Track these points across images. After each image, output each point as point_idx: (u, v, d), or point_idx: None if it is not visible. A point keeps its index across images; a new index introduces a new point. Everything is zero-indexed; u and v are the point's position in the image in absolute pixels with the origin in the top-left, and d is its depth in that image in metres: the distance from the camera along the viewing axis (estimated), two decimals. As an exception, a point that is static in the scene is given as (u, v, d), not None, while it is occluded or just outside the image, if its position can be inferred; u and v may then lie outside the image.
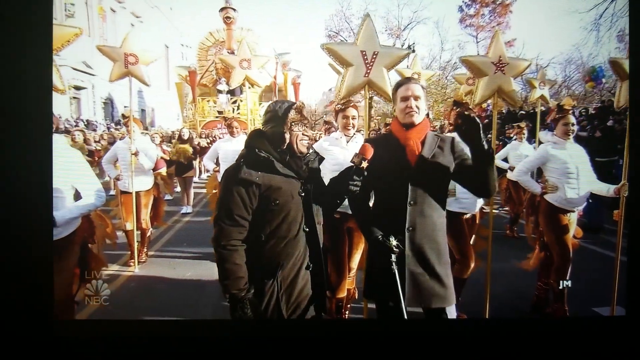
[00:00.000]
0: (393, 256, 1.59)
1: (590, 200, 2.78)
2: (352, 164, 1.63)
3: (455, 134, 1.68)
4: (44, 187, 1.91)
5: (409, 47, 14.11)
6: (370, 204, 1.80)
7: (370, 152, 1.61)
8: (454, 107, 2.59)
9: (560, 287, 2.54)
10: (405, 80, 1.74)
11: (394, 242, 1.60)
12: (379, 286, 1.68)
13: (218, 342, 2.05)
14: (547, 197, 2.64)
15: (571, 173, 2.55)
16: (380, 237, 1.64)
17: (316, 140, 1.62)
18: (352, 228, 2.50)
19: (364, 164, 1.61)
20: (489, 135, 2.80)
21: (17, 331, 1.94)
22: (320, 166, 2.57)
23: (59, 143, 2.11)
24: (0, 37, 1.87)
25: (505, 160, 4.26)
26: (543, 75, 4.04)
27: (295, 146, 1.61)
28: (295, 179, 1.60)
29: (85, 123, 12.35)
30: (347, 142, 2.54)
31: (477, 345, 2.10)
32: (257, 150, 1.56)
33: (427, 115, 1.76)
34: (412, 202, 1.63)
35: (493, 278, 2.74)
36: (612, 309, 2.55)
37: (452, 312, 1.72)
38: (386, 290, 1.60)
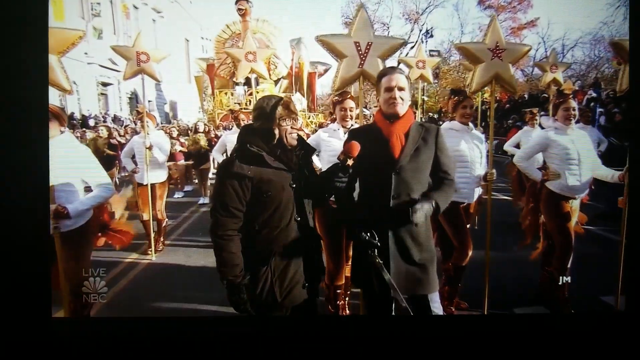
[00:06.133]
0: (376, 251, 1.60)
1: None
2: (338, 161, 1.65)
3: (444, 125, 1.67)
4: (40, 183, 1.95)
5: (427, 31, 13.74)
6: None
7: (356, 150, 1.61)
8: (452, 96, 2.56)
9: (560, 283, 2.50)
10: (388, 70, 1.71)
11: (375, 237, 1.61)
12: (364, 272, 1.69)
13: (218, 341, 2.08)
14: (548, 184, 2.59)
15: (572, 159, 2.49)
16: (362, 235, 1.62)
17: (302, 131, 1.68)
18: None
19: (350, 162, 1.62)
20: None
21: (16, 330, 1.95)
22: (318, 157, 2.65)
23: (69, 140, 2.26)
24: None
25: (517, 146, 4.15)
26: (555, 58, 3.89)
27: (285, 140, 1.66)
28: (286, 171, 1.65)
29: (112, 118, 12.90)
30: (345, 133, 2.56)
31: (475, 340, 2.09)
32: (248, 145, 1.63)
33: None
34: (395, 195, 1.63)
35: (504, 267, 2.73)
36: (616, 298, 2.50)
37: (434, 299, 1.75)
38: (370, 276, 1.64)
